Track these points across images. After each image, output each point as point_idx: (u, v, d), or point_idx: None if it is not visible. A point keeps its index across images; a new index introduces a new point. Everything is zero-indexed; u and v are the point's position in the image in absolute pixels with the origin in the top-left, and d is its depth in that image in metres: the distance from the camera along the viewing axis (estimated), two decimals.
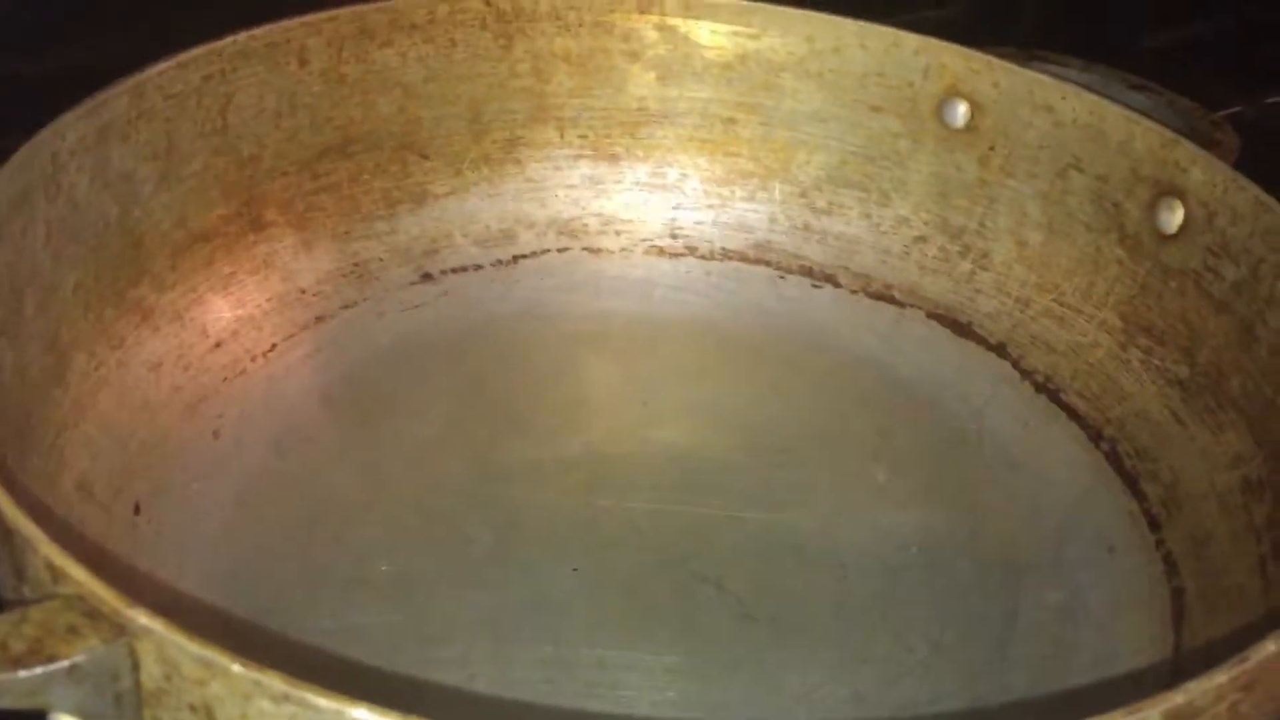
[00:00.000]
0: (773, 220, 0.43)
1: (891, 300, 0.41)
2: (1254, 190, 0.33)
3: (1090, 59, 0.42)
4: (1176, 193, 0.35)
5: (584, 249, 0.42)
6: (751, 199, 0.43)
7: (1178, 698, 0.19)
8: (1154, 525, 0.33)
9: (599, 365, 0.41)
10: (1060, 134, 0.38)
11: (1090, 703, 0.19)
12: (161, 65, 0.34)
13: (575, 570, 0.32)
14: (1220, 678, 0.19)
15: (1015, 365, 0.39)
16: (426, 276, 0.40)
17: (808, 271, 0.42)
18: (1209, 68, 0.60)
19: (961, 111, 0.40)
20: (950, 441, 0.37)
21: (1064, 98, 0.38)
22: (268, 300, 0.37)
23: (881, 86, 0.41)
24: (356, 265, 0.39)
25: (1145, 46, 0.62)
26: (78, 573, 0.19)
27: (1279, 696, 0.21)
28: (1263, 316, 0.32)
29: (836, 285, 0.42)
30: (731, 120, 0.42)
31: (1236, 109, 0.58)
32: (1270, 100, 0.59)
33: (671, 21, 0.42)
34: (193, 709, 0.19)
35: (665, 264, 0.43)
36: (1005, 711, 0.29)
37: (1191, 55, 0.62)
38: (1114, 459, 0.36)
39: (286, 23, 0.37)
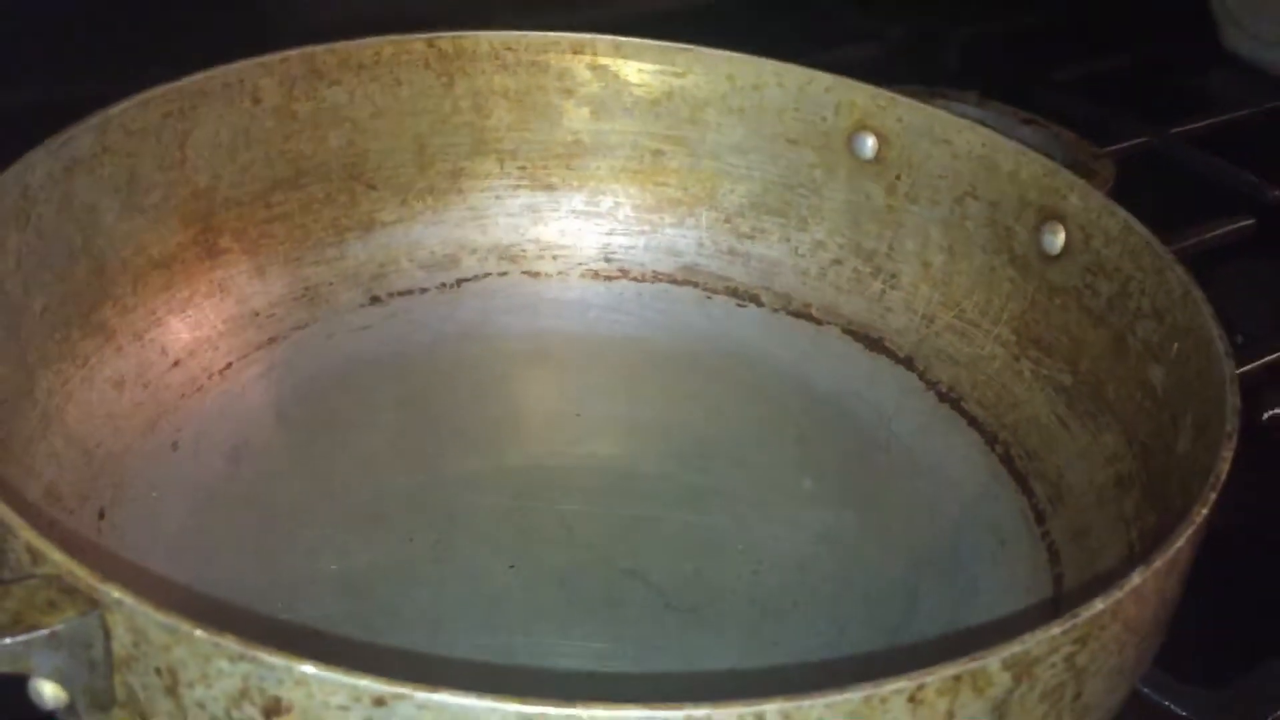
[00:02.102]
0: (700, 245, 0.45)
1: (810, 318, 0.44)
2: (1123, 215, 0.36)
3: (1003, 93, 0.46)
4: (1058, 217, 0.39)
5: (523, 273, 0.45)
6: (680, 225, 0.46)
7: (1015, 646, 0.22)
8: (1040, 519, 0.36)
9: (537, 381, 0.43)
10: (957, 164, 0.41)
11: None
12: (124, 104, 0.36)
13: (511, 567, 0.35)
14: (1054, 630, 0.22)
15: (921, 377, 0.42)
16: (374, 299, 0.43)
17: (733, 292, 0.45)
18: (1116, 101, 0.64)
19: (870, 144, 0.43)
20: (861, 448, 0.40)
21: (960, 131, 0.41)
22: (223, 322, 0.40)
23: (797, 121, 0.44)
24: (307, 289, 0.42)
25: (1055, 81, 0.66)
26: (55, 554, 0.22)
27: (1113, 650, 0.24)
28: (1132, 328, 0.36)
29: (759, 304, 0.45)
30: (660, 152, 0.45)
31: (1142, 139, 0.62)
32: (1174, 131, 0.63)
33: (603, 61, 0.44)
34: (158, 672, 0.21)
35: (600, 286, 0.45)
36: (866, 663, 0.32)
37: (1100, 89, 0.66)
38: (1007, 460, 0.38)
39: (241, 63, 0.39)
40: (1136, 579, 0.23)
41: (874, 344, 0.43)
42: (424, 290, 0.43)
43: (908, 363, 0.42)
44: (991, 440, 0.39)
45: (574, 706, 0.20)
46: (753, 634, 0.34)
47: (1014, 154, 0.40)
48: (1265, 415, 0.44)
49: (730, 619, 0.34)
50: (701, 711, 0.20)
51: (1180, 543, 0.24)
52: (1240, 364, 0.34)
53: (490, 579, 0.34)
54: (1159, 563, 0.24)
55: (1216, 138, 0.64)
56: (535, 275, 0.45)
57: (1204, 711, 0.33)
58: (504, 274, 0.45)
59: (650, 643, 0.33)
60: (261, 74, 0.40)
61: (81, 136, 0.35)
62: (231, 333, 0.40)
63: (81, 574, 0.21)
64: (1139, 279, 0.36)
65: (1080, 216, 0.38)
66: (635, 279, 0.45)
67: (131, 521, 0.34)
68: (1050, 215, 0.39)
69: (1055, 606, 0.33)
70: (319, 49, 0.41)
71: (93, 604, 0.21)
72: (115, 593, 0.21)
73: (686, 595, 0.34)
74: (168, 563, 0.33)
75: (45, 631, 0.21)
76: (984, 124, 0.41)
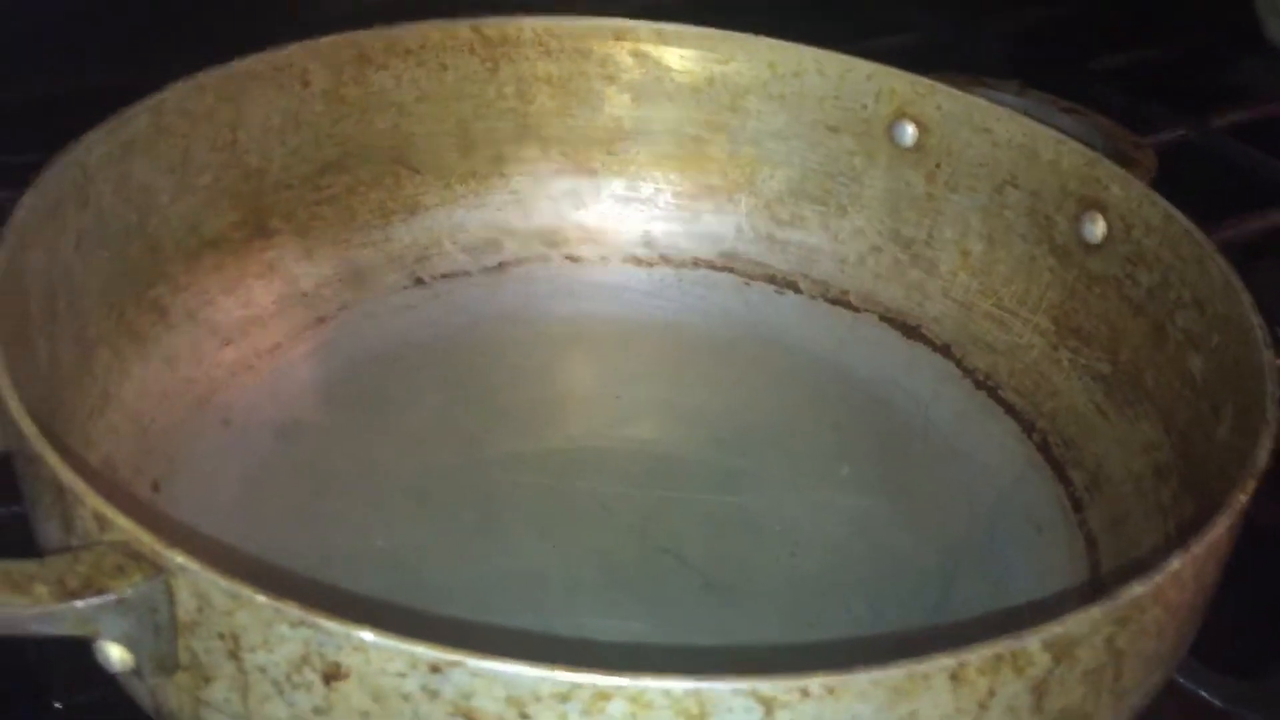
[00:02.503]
0: (739, 231, 0.46)
1: (848, 305, 0.44)
2: (1164, 205, 0.37)
3: (1040, 82, 0.46)
4: (1099, 207, 0.39)
5: (564, 257, 0.45)
6: (719, 211, 0.46)
7: (1056, 628, 0.22)
8: (1077, 507, 0.37)
9: (577, 364, 0.44)
10: (997, 153, 0.41)
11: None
12: (179, 85, 0.37)
13: (553, 546, 0.35)
14: (1094, 612, 0.22)
15: (959, 364, 0.42)
16: (418, 281, 0.43)
17: (771, 279, 0.45)
18: (1155, 92, 0.64)
19: (910, 132, 0.43)
20: (898, 434, 0.40)
21: (1000, 120, 0.41)
22: (273, 302, 0.40)
23: (837, 108, 0.44)
24: (354, 270, 0.42)
25: (1093, 71, 0.66)
26: (122, 521, 0.22)
27: (1152, 633, 0.24)
28: (1172, 317, 0.36)
29: (798, 291, 0.45)
30: (700, 138, 0.45)
31: (1181, 131, 0.61)
32: (1214, 123, 0.63)
33: (645, 47, 0.45)
34: (221, 637, 0.22)
35: (640, 271, 0.45)
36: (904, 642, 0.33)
37: (1138, 80, 0.66)
38: (1044, 449, 0.39)
39: (291, 48, 0.40)
40: (1176, 564, 0.24)
41: (912, 331, 0.43)
42: (467, 273, 0.44)
43: (945, 350, 0.42)
44: (1029, 428, 0.40)
45: (624, 676, 0.21)
46: (790, 615, 0.34)
47: (1054, 143, 0.40)
48: None
49: (767, 600, 0.34)
50: (746, 684, 0.21)
51: (1220, 529, 0.25)
52: None
53: (532, 558, 0.35)
54: (1198, 548, 0.24)
55: (1256, 130, 0.63)
56: (576, 260, 0.45)
57: (1238, 701, 0.33)
58: (545, 258, 0.45)
59: (688, 620, 0.34)
60: (311, 58, 0.41)
61: (137, 118, 0.36)
62: (281, 312, 0.40)
63: (148, 540, 0.22)
64: (1179, 269, 0.36)
65: (1121, 206, 0.38)
66: (675, 265, 0.46)
67: (185, 496, 0.35)
68: (1091, 205, 0.39)
69: (1094, 596, 0.34)
70: (367, 34, 0.42)
71: (158, 570, 0.22)
72: (180, 559, 0.22)
73: (724, 575, 0.35)
74: (218, 534, 0.34)
75: (114, 596, 0.22)
76: (1024, 113, 0.41)
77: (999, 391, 0.41)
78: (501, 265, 0.44)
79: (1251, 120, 0.64)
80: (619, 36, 0.45)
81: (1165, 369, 0.36)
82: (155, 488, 0.34)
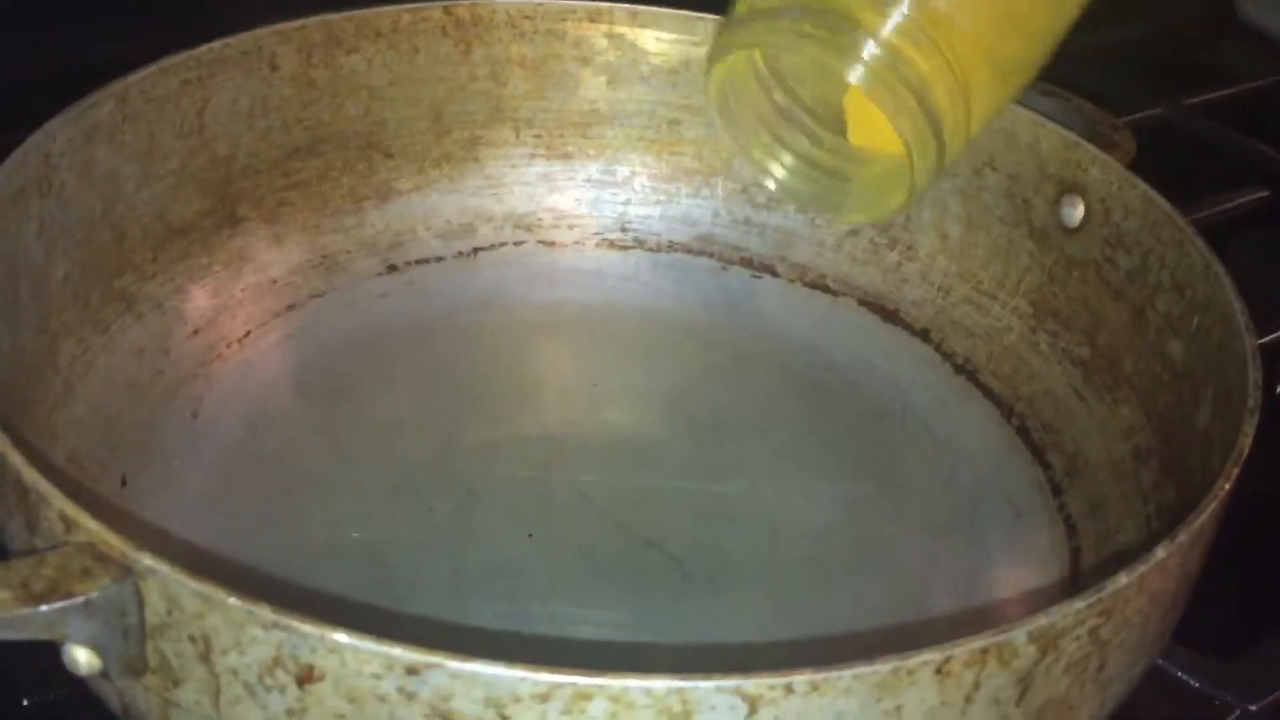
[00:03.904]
0: (715, 215, 0.45)
1: (825, 289, 0.44)
2: (1144, 188, 0.36)
3: None
4: (1078, 190, 0.39)
5: (539, 242, 0.45)
6: (696, 195, 0.46)
7: (1041, 620, 0.22)
8: (1057, 492, 0.37)
9: (553, 351, 0.43)
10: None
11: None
12: (144, 71, 0.36)
13: (530, 536, 0.35)
14: (1079, 604, 0.22)
15: (937, 348, 0.42)
16: (391, 268, 0.43)
17: (748, 262, 0.45)
18: (1130, 71, 0.64)
19: None
20: (877, 419, 0.40)
21: None
22: (242, 290, 0.40)
23: None
24: (325, 257, 0.42)
25: (1067, 50, 0.66)
26: (89, 522, 0.22)
27: (1136, 623, 0.24)
28: (1151, 302, 0.36)
29: (775, 275, 0.45)
30: (676, 121, 0.45)
31: (1156, 110, 0.61)
32: (1188, 101, 0.63)
33: (620, 30, 0.44)
34: (191, 639, 0.22)
35: (615, 256, 0.45)
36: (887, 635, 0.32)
37: (1113, 59, 0.66)
38: (1023, 433, 0.39)
39: (260, 31, 0.39)
40: (1161, 553, 0.23)
41: (890, 315, 0.43)
42: (440, 259, 0.44)
43: (924, 334, 0.42)
44: (1008, 412, 0.39)
45: (605, 676, 0.20)
46: (771, 604, 0.34)
47: (1033, 126, 0.40)
48: None
49: (748, 589, 0.34)
50: (731, 682, 0.20)
51: (1204, 518, 0.24)
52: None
53: (509, 548, 0.35)
54: (1183, 537, 0.24)
55: (1231, 109, 0.63)
56: (551, 245, 0.45)
57: (1217, 682, 0.34)
58: (520, 243, 0.45)
59: (668, 612, 0.33)
60: (280, 41, 0.40)
61: (102, 104, 0.35)
62: (250, 300, 0.40)
63: (116, 542, 0.22)
64: (1159, 252, 0.36)
65: (1100, 189, 0.38)
66: (651, 249, 0.45)
67: (153, 490, 0.34)
68: (1069, 188, 0.39)
69: (1074, 579, 0.34)
70: (337, 16, 0.41)
71: (127, 572, 0.21)
72: (149, 560, 0.21)
73: (704, 565, 0.35)
74: (189, 531, 0.33)
75: (81, 599, 0.21)
76: None
77: (978, 375, 0.41)
78: (475, 251, 0.44)
79: (1226, 99, 0.64)
80: (593, 18, 0.44)
81: (1145, 353, 0.36)
82: (123, 483, 0.33)
